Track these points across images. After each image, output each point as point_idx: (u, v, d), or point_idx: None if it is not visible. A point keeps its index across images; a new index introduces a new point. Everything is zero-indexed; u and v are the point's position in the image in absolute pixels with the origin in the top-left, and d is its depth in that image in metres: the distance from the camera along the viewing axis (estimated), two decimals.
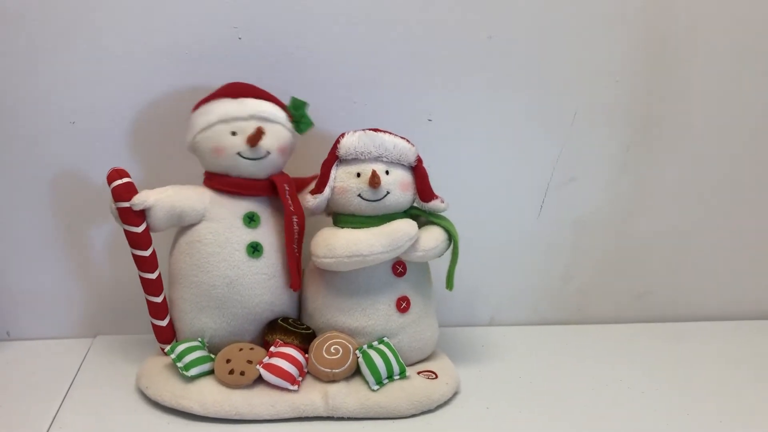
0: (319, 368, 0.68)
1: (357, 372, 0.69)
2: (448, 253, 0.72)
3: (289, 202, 0.70)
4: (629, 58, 0.79)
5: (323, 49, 0.75)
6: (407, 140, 0.70)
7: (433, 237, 0.70)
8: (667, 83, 0.81)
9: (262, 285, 0.70)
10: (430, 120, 0.79)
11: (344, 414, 0.66)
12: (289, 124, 0.71)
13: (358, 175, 0.68)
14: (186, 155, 0.71)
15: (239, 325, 0.70)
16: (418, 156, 0.71)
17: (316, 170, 0.70)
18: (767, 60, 0.81)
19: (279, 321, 0.71)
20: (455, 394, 0.71)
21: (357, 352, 0.69)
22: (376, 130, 0.69)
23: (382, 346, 0.69)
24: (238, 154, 0.68)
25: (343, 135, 0.69)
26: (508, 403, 0.70)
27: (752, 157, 0.86)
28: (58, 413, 0.67)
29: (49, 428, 0.64)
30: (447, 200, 0.72)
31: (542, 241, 0.86)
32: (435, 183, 0.72)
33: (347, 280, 0.70)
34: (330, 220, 0.73)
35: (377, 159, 0.69)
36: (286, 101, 0.71)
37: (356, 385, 0.68)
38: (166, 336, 0.71)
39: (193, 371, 0.67)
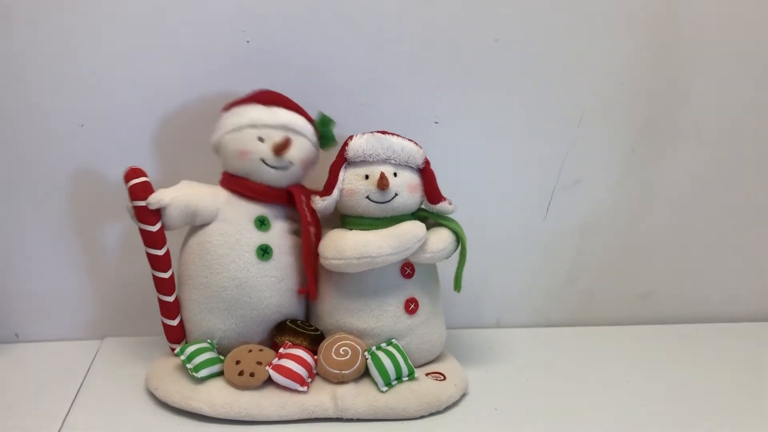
0: (328, 370, 0.68)
1: (366, 373, 0.69)
2: (456, 255, 0.72)
3: (307, 212, 0.70)
4: (635, 60, 0.80)
5: (331, 52, 0.76)
6: (415, 142, 0.71)
7: (441, 239, 0.71)
8: (673, 86, 0.81)
9: (271, 287, 0.70)
10: (436, 122, 0.80)
11: (353, 415, 0.66)
12: (315, 139, 0.72)
13: (367, 177, 0.69)
14: (195, 157, 0.72)
15: (248, 327, 0.71)
16: (426, 158, 0.71)
17: (325, 173, 0.71)
18: None
19: (288, 323, 0.72)
20: (463, 395, 0.72)
21: (366, 353, 0.69)
22: (384, 132, 0.70)
23: (390, 348, 0.70)
24: (262, 160, 0.68)
25: (351, 137, 0.70)
26: (516, 404, 0.71)
27: (757, 159, 0.86)
28: (68, 415, 0.67)
29: (59, 430, 0.64)
30: (454, 202, 0.72)
31: (548, 243, 0.87)
32: (442, 185, 0.72)
33: (356, 282, 0.70)
34: (338, 221, 0.73)
35: (385, 161, 0.69)
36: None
37: (365, 386, 0.68)
38: (177, 336, 0.72)
39: (203, 372, 0.67)
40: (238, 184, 0.70)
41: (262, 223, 0.70)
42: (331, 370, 0.68)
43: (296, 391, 0.67)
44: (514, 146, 0.82)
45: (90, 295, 0.82)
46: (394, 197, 0.69)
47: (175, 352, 0.69)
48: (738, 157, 0.86)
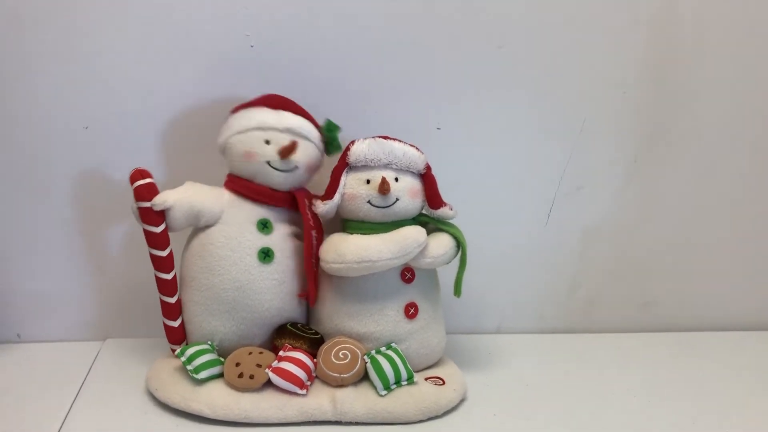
0: (327, 373, 0.68)
1: (365, 377, 0.70)
2: (456, 261, 0.73)
3: (310, 216, 0.71)
4: (637, 68, 0.80)
5: (334, 57, 0.76)
6: (417, 148, 0.71)
7: (441, 244, 0.71)
8: (675, 94, 0.81)
9: (272, 290, 0.70)
10: (438, 128, 0.80)
11: (352, 419, 0.67)
12: (321, 145, 0.72)
13: (368, 181, 0.69)
14: (198, 159, 0.72)
15: (249, 330, 0.71)
16: (427, 163, 0.71)
17: (326, 177, 0.71)
18: None
19: (288, 326, 0.72)
20: (462, 400, 0.72)
21: (365, 357, 0.69)
22: (385, 137, 0.70)
23: (390, 352, 0.70)
24: (268, 162, 0.69)
25: (353, 142, 0.70)
26: (516, 410, 0.71)
27: (759, 168, 0.86)
28: (68, 415, 0.67)
29: (60, 429, 0.65)
30: (455, 208, 0.73)
31: (549, 250, 0.87)
32: (443, 191, 0.72)
33: (356, 286, 0.70)
34: (339, 224, 0.73)
35: (387, 166, 0.69)
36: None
37: (364, 390, 0.69)
38: (177, 337, 0.72)
39: (203, 374, 0.67)
40: (242, 185, 0.71)
41: (264, 226, 0.71)
42: (331, 373, 0.68)
43: (296, 393, 0.67)
44: (515, 153, 0.82)
45: (92, 296, 0.82)
46: (395, 202, 0.69)
47: (176, 353, 0.69)
48: (740, 166, 0.86)
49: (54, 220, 0.79)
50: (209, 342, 0.71)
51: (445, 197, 0.72)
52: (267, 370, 0.67)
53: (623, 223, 0.87)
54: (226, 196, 0.71)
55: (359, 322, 0.71)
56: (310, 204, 0.72)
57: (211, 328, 0.71)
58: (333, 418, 0.67)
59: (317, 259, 0.71)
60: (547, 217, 0.85)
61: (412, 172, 0.71)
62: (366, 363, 0.69)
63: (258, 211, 0.71)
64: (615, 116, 0.82)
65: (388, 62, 0.77)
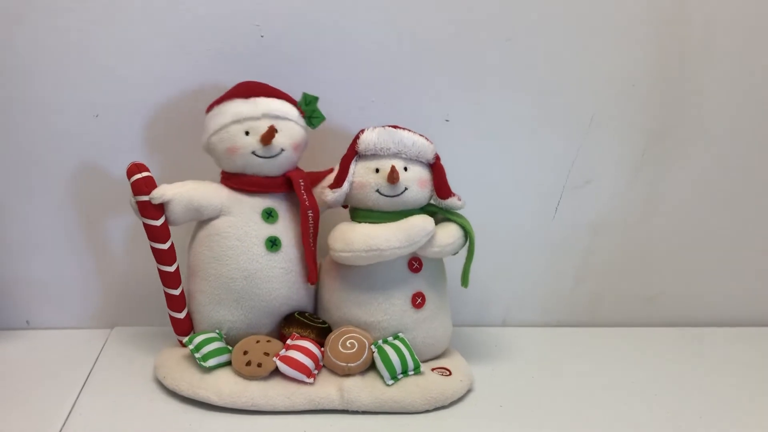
0: (334, 362, 0.68)
1: (372, 367, 0.70)
2: (463, 251, 0.73)
3: (305, 197, 0.70)
4: (646, 63, 0.80)
5: (343, 48, 0.76)
6: (426, 138, 0.71)
7: (449, 233, 0.71)
8: (683, 88, 0.81)
9: (279, 279, 0.71)
10: (447, 120, 0.80)
11: (359, 408, 0.67)
12: (302, 120, 0.72)
13: (377, 170, 0.69)
14: (204, 153, 0.72)
15: (256, 318, 0.71)
16: (437, 153, 0.71)
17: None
18: None
19: (296, 315, 0.72)
20: (469, 391, 0.72)
21: (372, 346, 0.69)
22: (395, 126, 0.70)
23: (397, 342, 0.70)
24: (253, 153, 0.68)
25: (363, 131, 0.70)
26: (521, 402, 0.71)
27: (766, 164, 0.86)
28: (77, 402, 0.68)
29: (68, 416, 0.65)
30: (463, 199, 0.73)
31: (556, 243, 0.87)
32: (451, 183, 0.72)
33: (363, 275, 0.70)
34: (347, 213, 0.74)
35: (396, 155, 0.69)
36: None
37: (371, 379, 0.69)
38: (184, 328, 0.72)
39: (211, 362, 0.67)
40: (236, 181, 0.70)
41: (269, 215, 0.71)
42: (338, 362, 0.68)
43: (303, 382, 0.67)
44: (524, 145, 0.82)
45: (100, 284, 0.83)
46: (404, 191, 0.69)
47: (184, 341, 0.70)
48: (748, 161, 0.85)
49: (64, 209, 0.79)
50: (217, 331, 0.71)
51: (453, 188, 0.72)
52: (275, 358, 0.67)
53: (630, 217, 0.87)
54: (225, 191, 0.71)
55: (366, 311, 0.71)
56: (306, 184, 0.71)
57: (219, 317, 0.71)
58: (340, 407, 0.67)
59: (314, 238, 0.71)
60: (554, 211, 0.85)
61: (421, 162, 0.71)
62: (373, 352, 0.69)
63: (261, 202, 0.71)
64: (624, 111, 0.82)
65: (397, 54, 0.77)
